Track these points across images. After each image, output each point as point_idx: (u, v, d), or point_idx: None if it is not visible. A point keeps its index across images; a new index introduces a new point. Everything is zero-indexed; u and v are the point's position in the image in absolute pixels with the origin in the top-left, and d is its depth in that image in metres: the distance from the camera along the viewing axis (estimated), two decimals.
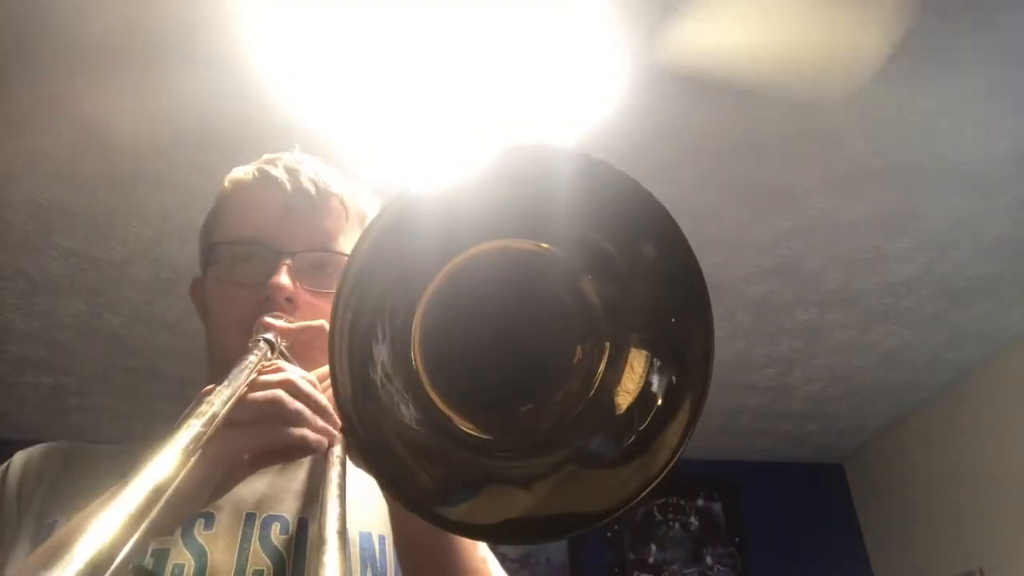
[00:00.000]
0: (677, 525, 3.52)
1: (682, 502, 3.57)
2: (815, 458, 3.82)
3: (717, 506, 3.60)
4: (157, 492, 0.36)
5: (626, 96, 1.88)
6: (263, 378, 0.57)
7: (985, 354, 3.01)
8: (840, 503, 3.76)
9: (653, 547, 3.45)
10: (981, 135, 2.04)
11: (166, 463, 0.39)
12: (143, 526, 0.34)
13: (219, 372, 0.66)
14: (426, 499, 0.49)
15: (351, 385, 0.47)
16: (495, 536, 0.53)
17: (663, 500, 3.55)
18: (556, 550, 3.31)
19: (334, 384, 0.48)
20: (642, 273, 0.50)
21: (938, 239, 2.40)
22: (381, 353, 0.50)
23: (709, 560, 3.47)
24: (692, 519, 3.55)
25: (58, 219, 2.17)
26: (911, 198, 2.25)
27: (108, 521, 0.32)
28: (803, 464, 3.82)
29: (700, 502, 3.59)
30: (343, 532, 0.45)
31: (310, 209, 0.78)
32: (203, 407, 0.47)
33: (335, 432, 0.57)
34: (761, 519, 3.57)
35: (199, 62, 1.75)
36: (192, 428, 0.44)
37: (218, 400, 0.49)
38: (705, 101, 1.92)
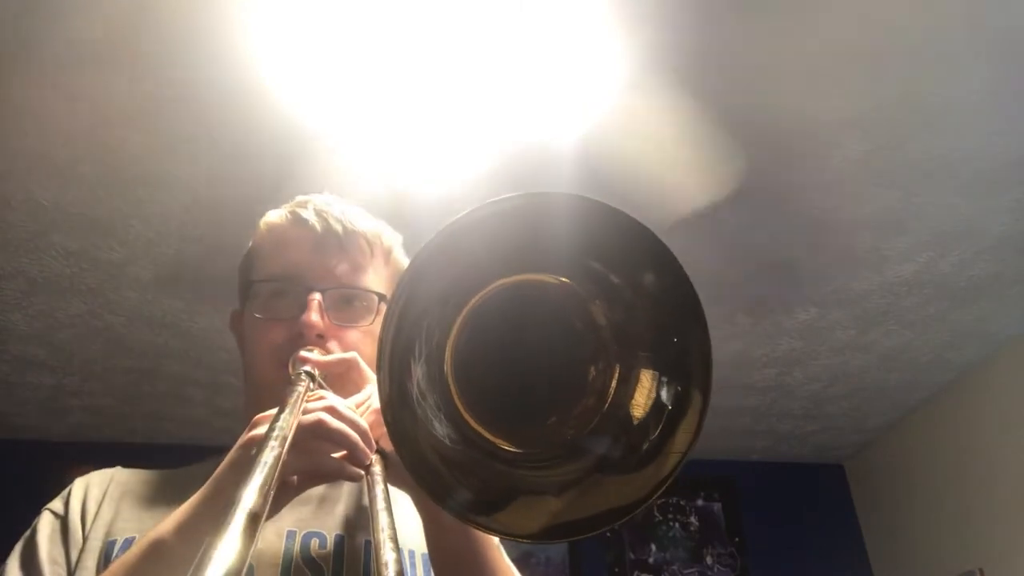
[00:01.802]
0: (677, 525, 3.52)
1: (682, 502, 3.57)
2: (815, 458, 3.82)
3: (717, 506, 3.60)
4: (255, 517, 0.40)
5: (625, 96, 1.88)
6: (309, 405, 0.64)
7: (985, 354, 3.01)
8: (840, 503, 3.76)
9: (653, 547, 3.46)
10: (981, 135, 2.04)
11: (258, 484, 0.44)
12: (253, 546, 0.38)
13: (257, 398, 0.77)
14: (466, 509, 0.55)
15: (389, 389, 0.53)
16: (531, 537, 0.59)
17: (663, 500, 3.55)
18: (556, 550, 3.31)
19: (380, 392, 0.53)
20: (644, 298, 0.57)
21: (938, 239, 2.40)
22: (417, 372, 0.56)
23: (709, 560, 3.47)
24: (692, 519, 3.55)
25: (58, 219, 2.17)
26: (911, 198, 2.25)
27: (228, 543, 0.36)
28: (803, 464, 3.82)
29: (700, 502, 3.59)
30: (395, 538, 0.54)
31: (338, 248, 0.84)
32: (276, 432, 0.53)
33: (372, 454, 0.64)
34: (761, 519, 3.57)
35: (200, 62, 1.75)
36: (274, 450, 0.50)
37: (286, 425, 0.56)
38: (703, 101, 1.92)
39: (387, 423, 0.53)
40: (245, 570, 0.35)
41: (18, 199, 2.10)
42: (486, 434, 0.59)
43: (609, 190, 2.13)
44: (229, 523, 0.38)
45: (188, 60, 1.75)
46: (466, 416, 0.59)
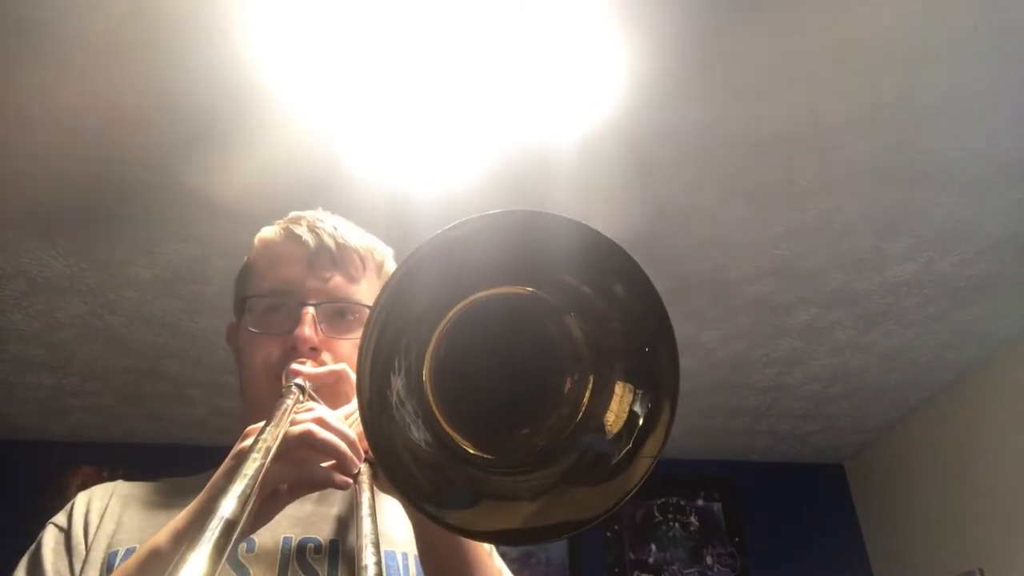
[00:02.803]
0: (677, 525, 3.52)
1: (682, 502, 3.57)
2: (815, 458, 3.82)
3: (717, 506, 3.60)
4: (232, 524, 0.43)
5: (625, 96, 1.88)
6: (298, 416, 0.66)
7: (985, 354, 3.01)
8: (840, 503, 3.76)
9: (653, 547, 3.46)
10: (981, 135, 2.04)
11: (237, 493, 0.47)
12: (225, 555, 0.40)
13: (254, 409, 0.79)
14: (440, 510, 0.56)
15: (369, 393, 0.55)
16: (495, 539, 0.63)
17: (663, 500, 3.55)
18: (556, 550, 3.32)
19: (359, 395, 0.55)
20: (616, 310, 0.59)
21: (938, 239, 2.41)
22: (397, 380, 0.58)
23: (709, 560, 3.47)
24: (692, 519, 3.55)
25: (58, 219, 2.17)
26: (911, 198, 2.25)
27: (200, 551, 0.39)
28: (803, 464, 3.82)
29: (700, 502, 3.59)
30: (376, 543, 0.57)
31: (330, 263, 0.87)
32: (259, 443, 0.56)
33: (359, 464, 0.66)
34: (761, 519, 3.57)
35: (200, 62, 1.75)
36: (256, 460, 0.53)
37: (270, 436, 0.58)
38: (705, 101, 1.92)
39: (364, 423, 0.55)
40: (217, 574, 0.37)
41: (18, 199, 2.10)
42: (462, 441, 0.61)
43: (608, 190, 2.14)
44: (205, 531, 0.41)
45: (188, 60, 1.75)
46: (443, 424, 0.61)
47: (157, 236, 2.26)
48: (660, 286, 0.56)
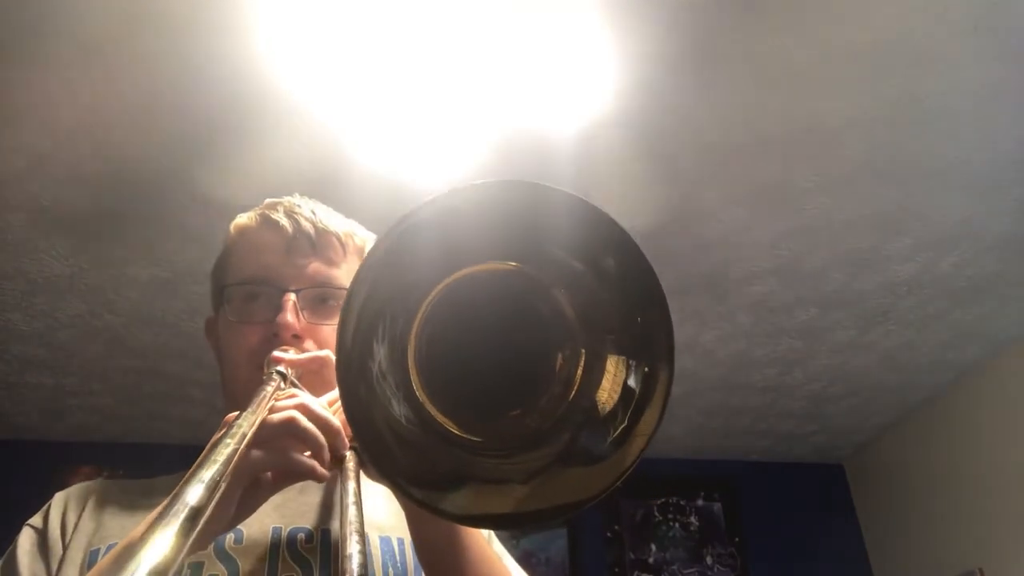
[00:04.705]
0: (677, 525, 3.52)
1: (682, 502, 3.57)
2: (815, 458, 3.82)
3: (717, 506, 3.60)
4: (197, 511, 0.41)
5: (625, 96, 1.88)
6: (280, 403, 0.63)
7: (985, 354, 3.01)
8: (840, 503, 3.76)
9: (653, 547, 3.46)
10: (981, 135, 2.04)
11: (204, 480, 0.45)
12: (190, 540, 0.38)
13: (234, 403, 0.76)
14: (416, 487, 0.54)
15: (350, 354, 0.52)
16: (485, 524, 0.61)
17: (663, 500, 3.55)
18: (556, 550, 3.32)
19: (338, 359, 0.52)
20: (606, 282, 0.57)
21: (938, 239, 2.40)
22: (380, 352, 0.55)
23: (709, 560, 3.47)
24: (692, 519, 3.55)
25: (58, 219, 2.17)
26: (911, 198, 2.25)
27: (161, 539, 0.36)
28: (803, 464, 3.83)
29: (700, 502, 3.59)
30: (361, 531, 0.55)
31: (310, 248, 0.84)
32: (234, 429, 0.54)
33: (346, 451, 0.64)
34: (761, 519, 3.57)
35: (200, 60, 1.75)
36: (228, 446, 0.51)
37: (246, 423, 0.56)
38: (705, 100, 1.92)
39: (340, 384, 0.52)
40: (177, 564, 0.35)
41: (18, 199, 2.10)
42: (446, 422, 0.59)
43: (608, 187, 2.14)
44: (168, 516, 0.39)
45: (188, 59, 1.75)
46: (426, 403, 0.58)
47: (157, 236, 2.26)
48: None
